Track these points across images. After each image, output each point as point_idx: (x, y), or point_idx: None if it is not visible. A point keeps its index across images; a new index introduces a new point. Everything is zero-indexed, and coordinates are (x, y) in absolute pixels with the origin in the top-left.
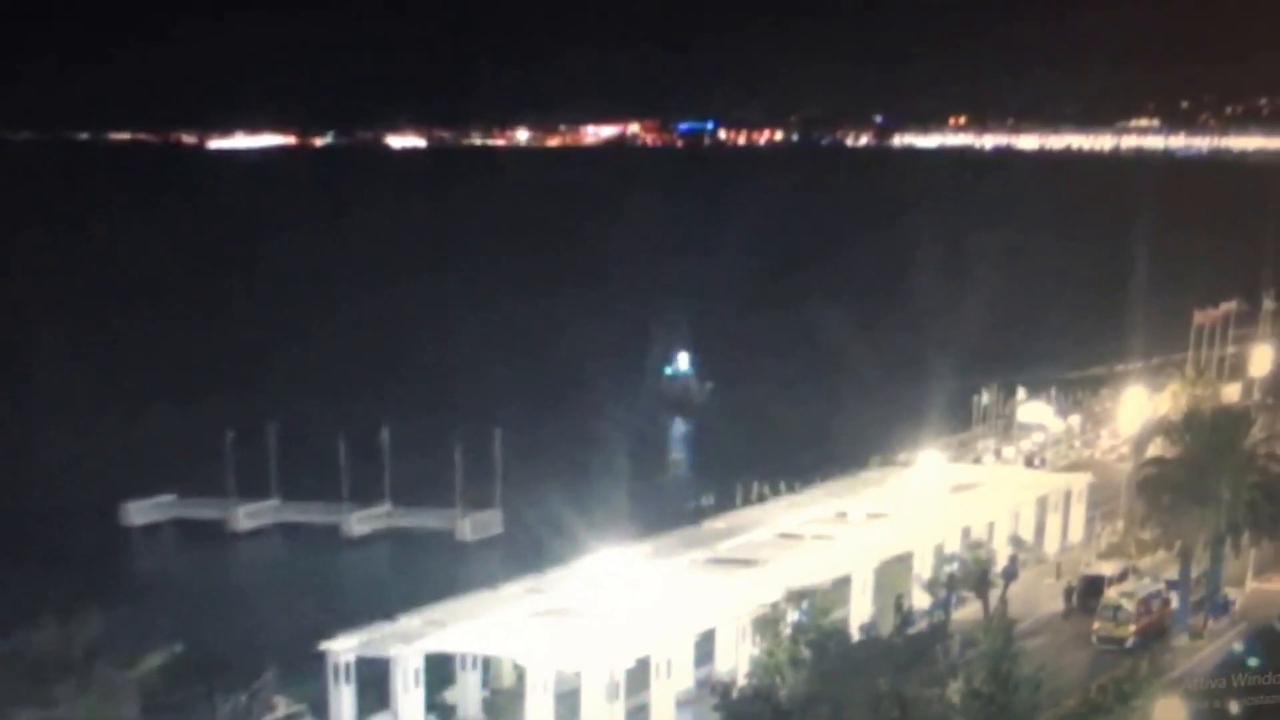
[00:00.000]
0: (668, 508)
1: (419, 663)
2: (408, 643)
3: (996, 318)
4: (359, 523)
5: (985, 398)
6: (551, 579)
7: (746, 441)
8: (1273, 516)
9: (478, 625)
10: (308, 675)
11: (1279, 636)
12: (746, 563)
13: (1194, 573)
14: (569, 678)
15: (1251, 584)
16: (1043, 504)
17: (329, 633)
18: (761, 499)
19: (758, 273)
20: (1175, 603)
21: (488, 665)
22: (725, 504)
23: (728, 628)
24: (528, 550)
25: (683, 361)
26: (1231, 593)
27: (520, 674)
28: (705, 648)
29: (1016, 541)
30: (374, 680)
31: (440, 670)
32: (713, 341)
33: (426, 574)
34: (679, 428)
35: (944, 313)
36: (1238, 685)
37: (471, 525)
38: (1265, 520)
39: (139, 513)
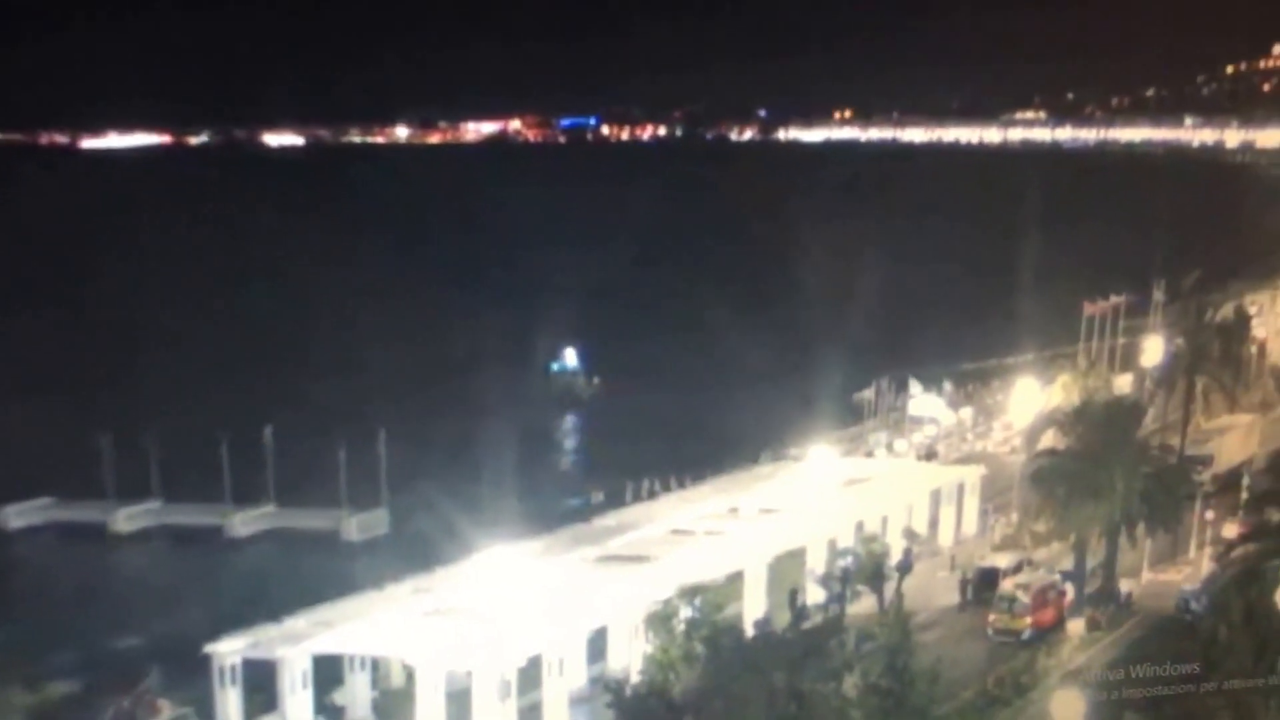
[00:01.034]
0: (557, 505)
1: (307, 664)
2: (295, 644)
3: (887, 311)
4: (243, 524)
5: (876, 391)
6: (440, 578)
7: (636, 437)
8: (1167, 507)
9: (366, 626)
10: (193, 678)
11: (1175, 627)
12: (638, 559)
13: (1089, 564)
14: (460, 677)
15: (1147, 575)
16: (936, 497)
17: (214, 635)
18: (652, 495)
19: (645, 268)
20: (1070, 594)
21: (377, 666)
22: (615, 501)
23: (620, 625)
24: (415, 549)
25: (570, 357)
26: (1127, 584)
27: (410, 674)
28: (598, 645)
29: (910, 535)
30: (261, 682)
31: (329, 671)
32: (600, 337)
33: (313, 575)
34: (567, 424)
35: (834, 306)
36: (1134, 677)
37: (358, 525)
38: (1159, 511)
39: (17, 516)
